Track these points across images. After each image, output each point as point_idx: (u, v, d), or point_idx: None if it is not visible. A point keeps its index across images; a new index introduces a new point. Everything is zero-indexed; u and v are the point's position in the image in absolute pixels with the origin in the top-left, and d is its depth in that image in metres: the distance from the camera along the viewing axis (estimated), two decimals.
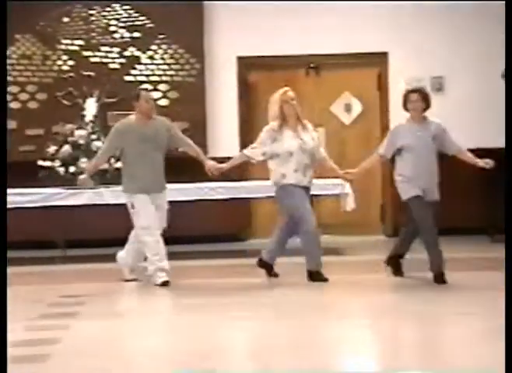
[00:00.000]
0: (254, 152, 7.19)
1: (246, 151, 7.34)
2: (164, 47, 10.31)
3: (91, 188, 8.57)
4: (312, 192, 8.83)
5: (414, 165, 6.87)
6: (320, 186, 8.73)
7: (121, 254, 7.46)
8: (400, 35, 10.37)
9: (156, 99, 10.26)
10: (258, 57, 10.43)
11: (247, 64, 10.53)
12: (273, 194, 9.08)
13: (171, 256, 8.25)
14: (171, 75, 10.32)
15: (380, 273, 7.40)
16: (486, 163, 6.86)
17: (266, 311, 6.15)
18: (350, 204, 8.53)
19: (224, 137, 10.40)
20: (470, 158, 7.01)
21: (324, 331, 5.41)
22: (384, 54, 10.46)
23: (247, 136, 10.55)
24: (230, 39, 10.37)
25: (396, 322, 5.67)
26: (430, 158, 6.90)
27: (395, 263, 7.23)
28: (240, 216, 10.35)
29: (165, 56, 10.33)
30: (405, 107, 7.03)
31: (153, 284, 7.13)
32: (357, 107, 10.67)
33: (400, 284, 7.12)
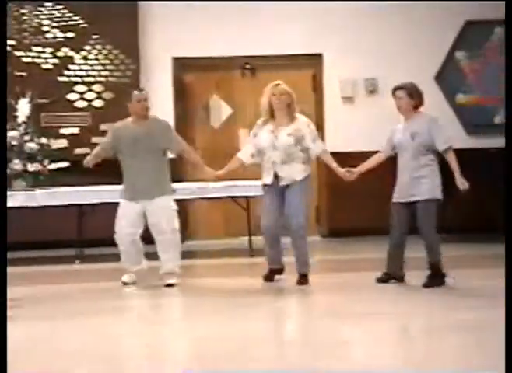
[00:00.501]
0: (245, 155, 7.04)
1: (239, 154, 7.13)
2: (98, 47, 10.22)
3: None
4: (247, 193, 8.90)
5: (398, 165, 6.76)
6: (255, 188, 8.78)
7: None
8: (334, 37, 10.45)
9: (90, 101, 10.24)
10: (194, 58, 10.41)
11: (182, 65, 10.51)
12: (209, 196, 9.12)
13: (108, 257, 8.21)
14: (106, 76, 10.24)
15: (317, 273, 7.43)
16: (462, 184, 6.60)
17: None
18: None
19: None
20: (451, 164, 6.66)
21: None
22: (319, 56, 10.53)
23: (182, 135, 10.48)
24: (166, 39, 10.33)
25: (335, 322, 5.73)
26: (410, 157, 6.66)
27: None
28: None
29: (99, 56, 10.24)
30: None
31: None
32: None
33: (337, 284, 7.18)
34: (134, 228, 7.13)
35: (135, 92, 7.29)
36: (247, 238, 9.22)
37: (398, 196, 6.72)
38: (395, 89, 6.79)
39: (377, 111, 10.40)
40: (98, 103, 10.20)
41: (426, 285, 6.57)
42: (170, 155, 7.45)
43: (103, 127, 10.09)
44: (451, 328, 5.38)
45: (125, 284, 7.27)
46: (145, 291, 7.20)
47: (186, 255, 9.17)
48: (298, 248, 6.96)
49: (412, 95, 6.70)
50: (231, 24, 10.34)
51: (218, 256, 9.52)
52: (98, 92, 10.23)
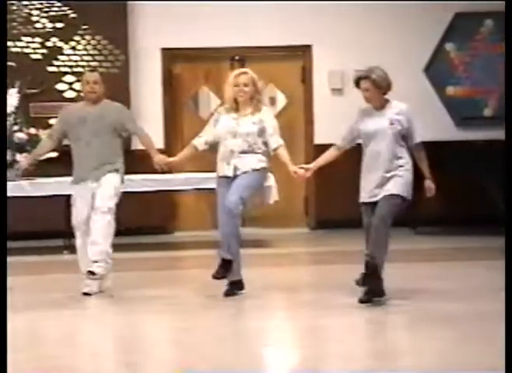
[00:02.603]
0: (199, 141, 6.67)
1: (193, 141, 6.77)
2: (87, 37, 10.21)
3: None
4: None
5: (367, 158, 6.20)
6: None
7: None
8: (324, 28, 10.46)
9: (78, 91, 10.21)
10: (183, 48, 10.41)
11: (171, 56, 10.51)
12: (197, 187, 9.12)
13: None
14: (95, 66, 10.22)
15: (304, 264, 7.49)
16: (429, 189, 6.22)
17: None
18: (274, 196, 8.55)
19: (148, 127, 10.13)
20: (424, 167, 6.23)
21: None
22: (308, 47, 10.55)
23: (171, 126, 10.57)
24: (155, 30, 10.33)
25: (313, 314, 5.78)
26: (386, 146, 6.10)
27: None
28: (165, 209, 10.35)
29: (88, 47, 10.23)
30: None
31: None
32: (281, 100, 10.76)
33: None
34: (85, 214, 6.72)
35: (86, 73, 7.12)
36: None
37: (366, 195, 6.13)
38: (359, 79, 6.23)
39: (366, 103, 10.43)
40: None
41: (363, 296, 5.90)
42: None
43: None
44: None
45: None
46: (135, 280, 7.22)
47: (175, 246, 9.27)
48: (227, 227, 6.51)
49: (379, 84, 6.16)
50: (221, 15, 10.33)
51: (204, 247, 9.55)
52: None
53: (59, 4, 10.17)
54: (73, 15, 10.18)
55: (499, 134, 9.93)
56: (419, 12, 10.50)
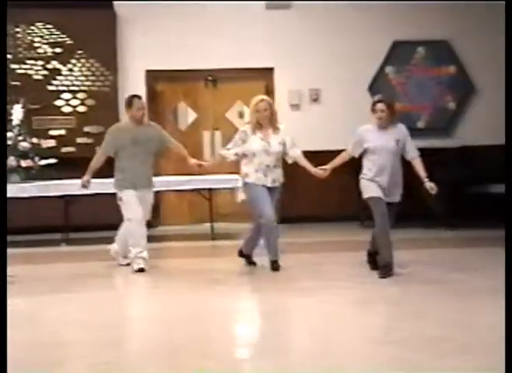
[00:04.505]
0: (228, 153, 6.90)
1: (221, 152, 7.09)
2: (82, 60, 10.20)
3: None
4: (211, 186, 8.95)
5: (377, 166, 6.38)
6: (217, 181, 8.88)
7: (113, 244, 7.28)
8: (284, 53, 10.54)
9: (74, 106, 10.22)
10: (164, 70, 10.44)
11: (154, 77, 10.53)
12: (179, 188, 9.17)
13: (91, 241, 8.20)
14: (88, 85, 10.23)
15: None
16: (431, 188, 6.31)
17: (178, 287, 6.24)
18: (241, 196, 8.58)
19: None
20: (419, 170, 6.39)
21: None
22: (271, 69, 10.62)
23: None
24: (140, 55, 10.34)
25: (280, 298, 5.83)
26: (392, 160, 6.36)
27: (372, 260, 6.58)
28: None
29: (83, 69, 10.22)
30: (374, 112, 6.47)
31: (132, 270, 6.86)
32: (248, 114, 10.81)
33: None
34: (139, 212, 6.94)
35: (136, 100, 7.07)
36: (209, 224, 9.29)
37: (380, 194, 6.33)
38: (376, 102, 6.44)
39: (319, 116, 10.56)
40: (81, 109, 10.20)
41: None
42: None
43: (85, 129, 10.15)
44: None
45: (124, 265, 7.11)
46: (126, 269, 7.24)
47: (158, 238, 9.24)
48: (269, 237, 6.82)
49: (390, 107, 6.39)
50: (197, 41, 10.38)
51: (184, 239, 9.59)
52: (81, 99, 10.22)
53: (58, 32, 10.13)
54: (70, 42, 10.16)
55: (430, 142, 10.13)
56: (363, 40, 10.62)
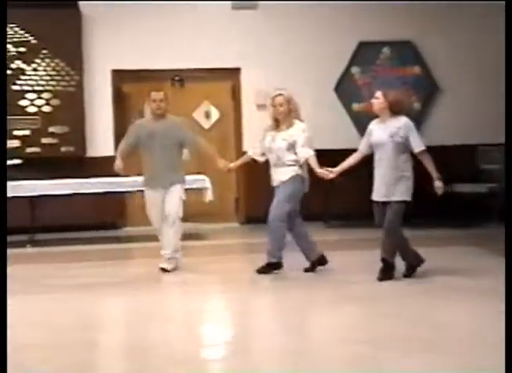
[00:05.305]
0: (256, 153, 6.71)
1: (250, 152, 6.86)
2: (47, 60, 10.07)
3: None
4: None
5: (376, 163, 6.24)
6: (190, 181, 8.81)
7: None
8: (251, 53, 10.52)
9: (39, 106, 10.09)
10: (130, 70, 10.36)
11: (120, 77, 10.44)
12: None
13: (57, 242, 8.08)
14: (53, 85, 10.10)
15: (237, 253, 7.51)
16: (438, 188, 6.14)
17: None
18: (209, 196, 8.60)
19: (100, 139, 10.28)
20: (426, 166, 6.19)
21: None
22: (237, 70, 10.59)
23: (121, 136, 10.31)
24: (106, 54, 10.25)
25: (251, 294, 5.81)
26: (389, 155, 6.12)
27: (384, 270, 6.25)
28: (116, 207, 10.26)
29: (47, 68, 10.10)
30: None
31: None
32: (215, 114, 10.80)
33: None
34: (159, 212, 6.79)
35: (152, 93, 6.76)
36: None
37: (377, 195, 6.18)
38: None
39: None
40: (46, 109, 10.08)
41: (381, 279, 6.10)
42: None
43: (51, 129, 10.03)
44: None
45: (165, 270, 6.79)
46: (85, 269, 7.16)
47: (125, 239, 9.17)
48: (270, 236, 6.67)
49: (388, 99, 6.20)
50: (163, 41, 10.32)
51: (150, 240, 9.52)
52: (46, 99, 10.10)
53: (22, 31, 10.00)
54: (34, 41, 10.03)
55: None
56: (329, 41, 10.64)
